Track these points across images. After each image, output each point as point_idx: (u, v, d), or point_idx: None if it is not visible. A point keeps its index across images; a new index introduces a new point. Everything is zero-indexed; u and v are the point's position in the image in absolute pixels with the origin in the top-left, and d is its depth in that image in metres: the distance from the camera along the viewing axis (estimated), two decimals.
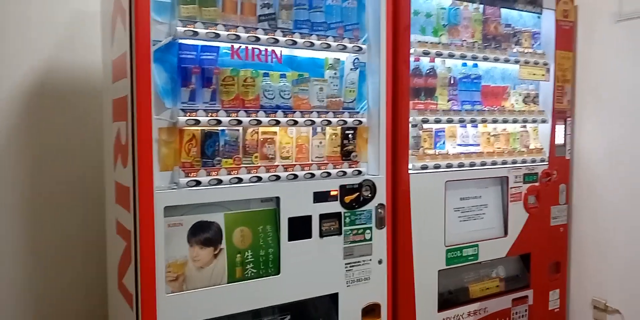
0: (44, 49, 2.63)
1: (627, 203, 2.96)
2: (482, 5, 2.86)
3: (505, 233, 2.95)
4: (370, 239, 2.43)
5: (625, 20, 2.95)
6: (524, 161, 3.00)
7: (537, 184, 3.05)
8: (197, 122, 2.01)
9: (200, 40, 2.05)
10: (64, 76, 2.68)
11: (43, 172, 2.67)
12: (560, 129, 3.17)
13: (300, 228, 2.25)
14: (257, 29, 2.14)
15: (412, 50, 2.57)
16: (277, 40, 2.18)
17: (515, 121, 2.97)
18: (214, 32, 2.03)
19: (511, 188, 2.96)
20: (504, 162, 2.92)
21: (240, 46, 2.22)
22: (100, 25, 2.49)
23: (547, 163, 3.10)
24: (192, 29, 1.99)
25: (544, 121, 3.11)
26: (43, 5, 2.61)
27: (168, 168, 2.03)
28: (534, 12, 3.02)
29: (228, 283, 2.11)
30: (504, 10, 2.96)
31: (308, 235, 2.27)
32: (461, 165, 2.75)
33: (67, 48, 2.68)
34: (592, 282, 3.17)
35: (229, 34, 2.07)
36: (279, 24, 2.22)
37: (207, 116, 2.04)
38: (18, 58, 2.58)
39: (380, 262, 2.46)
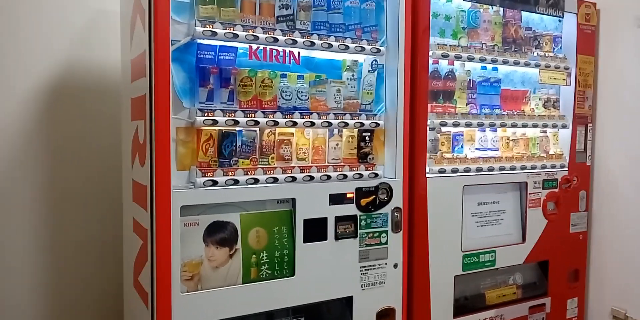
0: (62, 48, 2.66)
1: None
2: (502, 8, 2.83)
3: (524, 239, 2.91)
4: (386, 243, 2.41)
5: None
6: (543, 167, 2.96)
7: (556, 190, 3.01)
8: (215, 122, 2.02)
9: (219, 40, 2.06)
10: (82, 75, 2.71)
11: (61, 171, 2.70)
12: (581, 134, 3.12)
13: (315, 230, 2.24)
14: (275, 29, 2.15)
15: (430, 53, 2.55)
16: (295, 41, 2.18)
17: (535, 126, 2.93)
18: (232, 33, 2.04)
19: (530, 194, 2.91)
20: (523, 168, 2.88)
21: (258, 47, 2.23)
22: (120, 24, 2.51)
23: (567, 169, 3.05)
24: (210, 29, 2.00)
25: (564, 126, 3.06)
26: (61, 5, 2.64)
27: (185, 167, 2.04)
28: (555, 16, 2.98)
29: (243, 283, 2.10)
30: (524, 14, 2.93)
31: (323, 237, 2.26)
32: (479, 169, 2.72)
33: (85, 47, 2.71)
34: (612, 291, 3.10)
35: (247, 35, 2.07)
36: (297, 25, 2.22)
37: (225, 116, 2.04)
38: (36, 57, 2.61)
39: (395, 266, 2.44)
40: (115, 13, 2.59)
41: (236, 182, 2.07)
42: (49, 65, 2.64)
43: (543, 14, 2.96)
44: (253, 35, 2.09)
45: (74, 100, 2.71)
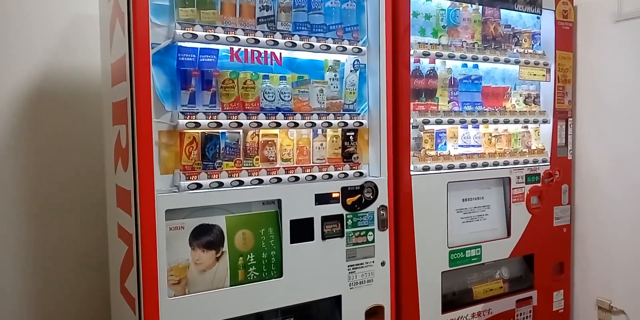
0: (42, 53, 2.63)
1: (630, 203, 2.94)
2: (481, 6, 2.85)
3: (509, 234, 2.93)
4: (373, 241, 2.42)
5: (624, 20, 2.94)
6: (525, 162, 2.99)
7: (539, 184, 3.04)
8: (198, 125, 2.00)
9: (200, 42, 2.04)
10: (62, 80, 2.68)
11: (43, 176, 2.66)
12: (561, 129, 3.15)
13: (302, 230, 2.23)
14: (256, 31, 2.14)
15: (412, 52, 2.56)
16: (276, 42, 2.17)
17: (516, 122, 2.96)
18: (213, 35, 2.03)
19: (513, 189, 2.94)
20: (506, 163, 2.90)
21: (239, 48, 2.21)
22: (100, 28, 2.48)
23: (549, 163, 3.08)
24: (191, 31, 1.98)
25: (545, 121, 3.09)
26: (41, 9, 2.61)
27: (169, 171, 2.02)
28: (533, 13, 3.01)
29: (230, 286, 2.09)
30: (503, 11, 2.95)
31: (310, 237, 2.25)
32: (463, 166, 2.74)
33: (66, 52, 2.68)
34: (596, 282, 3.14)
35: (228, 36, 2.06)
36: (278, 26, 2.21)
37: (208, 119, 2.03)
38: (16, 62, 2.57)
39: (383, 264, 2.44)
40: (97, 17, 2.56)
41: (221, 184, 2.05)
42: (30, 69, 2.61)
43: (522, 11, 2.98)
44: (234, 37, 2.07)
45: (55, 104, 2.67)
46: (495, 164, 2.86)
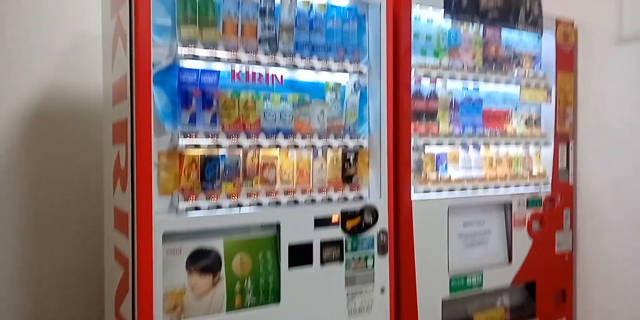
0: (43, 72, 2.70)
1: (632, 229, 3.05)
2: (482, 28, 2.99)
3: (510, 260, 3.03)
4: (373, 266, 2.50)
5: (625, 42, 3.10)
6: (527, 186, 3.11)
7: (540, 209, 3.15)
8: (198, 146, 2.09)
9: (201, 62, 2.13)
10: (62, 99, 2.75)
11: (41, 197, 2.71)
12: (563, 152, 3.28)
13: (301, 255, 2.30)
14: (257, 51, 2.24)
15: (413, 73, 2.68)
16: (278, 63, 2.28)
17: (517, 144, 3.08)
18: (214, 56, 2.12)
19: (515, 213, 3.04)
20: (507, 187, 3.01)
21: (241, 69, 2.31)
22: (102, 47, 2.57)
23: (550, 188, 3.20)
24: (192, 50, 2.08)
25: (546, 144, 3.22)
26: (42, 27, 2.69)
27: (167, 192, 2.09)
28: (534, 33, 3.15)
29: (227, 312, 2.15)
30: (504, 33, 3.10)
31: (309, 262, 2.32)
32: (464, 190, 2.84)
33: (67, 71, 2.75)
34: (600, 311, 3.23)
35: (229, 57, 2.16)
36: (280, 46, 2.32)
37: (208, 140, 2.11)
38: (17, 81, 2.64)
39: (382, 290, 2.51)
40: (97, 36, 2.65)
41: (219, 207, 2.13)
42: (31, 88, 2.68)
43: (523, 31, 3.13)
44: (236, 57, 2.17)
45: (54, 124, 2.74)
46: (497, 188, 2.97)
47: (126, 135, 2.03)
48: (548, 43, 3.30)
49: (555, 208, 3.22)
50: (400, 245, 2.62)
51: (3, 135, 2.62)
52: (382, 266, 2.53)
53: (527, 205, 3.10)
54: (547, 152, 3.26)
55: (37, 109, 2.69)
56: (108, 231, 2.47)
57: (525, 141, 3.12)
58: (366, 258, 2.49)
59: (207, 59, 2.11)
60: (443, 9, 2.73)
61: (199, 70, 2.17)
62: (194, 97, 2.13)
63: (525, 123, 3.22)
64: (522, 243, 3.07)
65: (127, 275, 2.05)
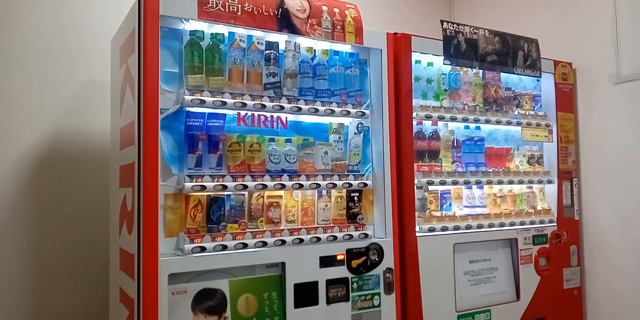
0: (51, 117, 2.70)
1: (639, 264, 2.90)
2: (481, 70, 2.95)
3: (518, 297, 2.88)
4: (379, 305, 2.38)
5: (623, 83, 3.03)
6: (532, 222, 2.98)
7: (547, 245, 3.01)
8: (203, 188, 2.04)
9: (207, 108, 2.11)
10: (70, 143, 2.74)
11: (49, 239, 2.66)
12: (567, 189, 3.17)
13: (306, 294, 2.21)
14: (262, 96, 2.22)
15: (414, 115, 2.63)
16: (282, 107, 2.25)
17: (521, 182, 2.98)
18: (220, 100, 2.10)
19: (521, 250, 2.91)
20: (512, 224, 2.90)
21: (246, 113, 2.28)
22: (110, 94, 2.58)
23: (556, 224, 3.07)
24: (199, 97, 2.06)
25: (550, 182, 3.11)
26: (52, 74, 2.71)
27: (173, 234, 2.03)
28: (532, 76, 3.10)
29: None
30: (503, 74, 3.05)
31: (315, 302, 2.22)
32: (469, 227, 2.73)
33: (75, 116, 2.75)
34: None
35: (235, 102, 2.13)
36: (284, 91, 2.29)
37: (213, 182, 2.06)
38: (26, 126, 2.64)
39: None
40: (104, 83, 2.66)
41: (225, 247, 2.05)
42: (39, 132, 2.67)
43: (522, 74, 3.07)
44: (241, 102, 2.15)
45: (61, 168, 2.71)
46: (502, 224, 2.86)
47: (133, 179, 1.99)
48: (547, 83, 3.24)
49: (562, 244, 3.08)
50: (406, 284, 2.50)
51: (11, 177, 2.60)
52: (388, 305, 2.41)
53: (533, 242, 2.97)
54: (551, 189, 3.15)
55: (45, 152, 2.68)
56: (114, 272, 2.41)
57: (529, 179, 3.01)
58: (372, 297, 2.37)
59: (213, 103, 2.08)
60: (443, 55, 2.69)
61: (205, 115, 2.14)
62: (200, 141, 2.10)
63: (528, 161, 3.12)
64: (530, 279, 2.93)
65: (132, 317, 1.96)
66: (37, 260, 2.63)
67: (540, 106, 3.24)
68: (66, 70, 2.75)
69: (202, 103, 2.06)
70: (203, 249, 2.01)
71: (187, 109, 2.10)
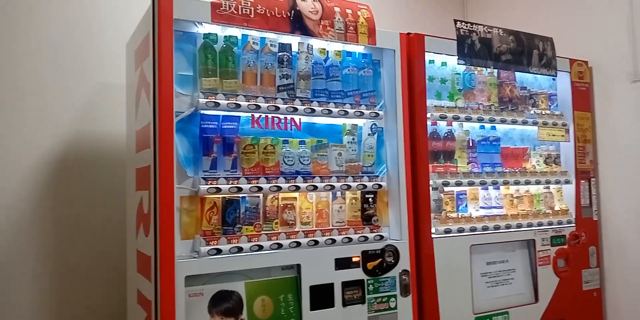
0: (67, 121, 2.73)
1: None
2: (496, 70, 2.92)
3: (536, 299, 2.84)
4: (395, 308, 2.36)
5: None
6: (550, 223, 2.94)
7: (565, 246, 2.97)
8: (219, 190, 2.04)
9: (222, 110, 2.12)
10: (86, 147, 2.77)
11: (66, 242, 2.69)
12: (585, 189, 3.13)
13: (322, 296, 2.20)
14: (276, 98, 2.22)
15: (428, 115, 2.61)
16: (296, 109, 2.25)
17: (538, 182, 2.95)
18: (234, 103, 2.11)
19: (539, 251, 2.88)
20: (530, 225, 2.86)
21: (260, 115, 2.29)
22: (125, 97, 2.60)
23: (574, 225, 3.03)
24: (213, 100, 2.07)
25: (567, 182, 3.07)
26: (66, 79, 2.73)
27: (189, 236, 2.04)
28: (548, 75, 3.07)
29: None
30: (518, 73, 3.02)
31: (330, 304, 2.21)
32: (485, 228, 2.71)
33: (90, 120, 2.78)
34: None
35: (249, 104, 2.14)
36: (298, 93, 2.30)
37: (228, 184, 2.07)
38: (42, 130, 2.67)
39: None
40: (118, 86, 2.69)
41: (240, 249, 2.06)
42: (55, 137, 2.70)
43: (537, 74, 3.04)
44: (255, 104, 2.15)
45: (79, 171, 2.74)
46: (519, 225, 2.83)
47: (149, 182, 2.00)
48: (563, 82, 3.20)
49: (581, 245, 3.04)
50: (423, 286, 2.48)
51: (29, 181, 2.63)
52: (405, 307, 2.39)
53: (551, 243, 2.93)
54: (569, 189, 3.11)
55: (61, 156, 2.70)
56: (131, 274, 2.42)
57: (546, 179, 2.98)
58: (389, 299, 2.36)
59: (227, 106, 2.09)
60: (457, 54, 2.68)
61: (219, 117, 2.15)
62: (215, 144, 2.11)
63: (545, 161, 3.09)
64: (548, 281, 2.89)
65: (149, 318, 1.98)
66: (55, 263, 2.66)
67: (557, 105, 3.21)
68: (80, 74, 2.77)
69: (217, 106, 2.07)
70: (219, 251, 2.01)
71: (202, 111, 2.11)
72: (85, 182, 2.75)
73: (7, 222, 2.57)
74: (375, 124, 2.50)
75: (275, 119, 2.34)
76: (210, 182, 2.04)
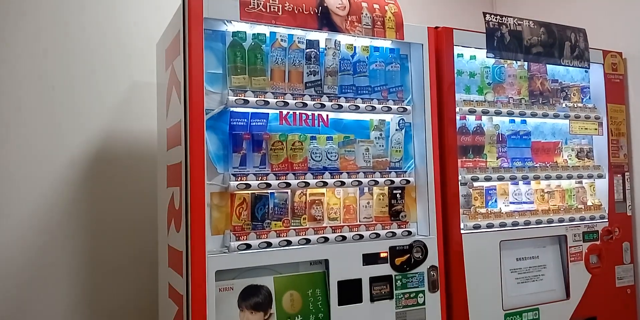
0: (99, 120, 2.79)
1: None
2: (526, 62, 2.86)
3: (567, 295, 2.79)
4: (424, 303, 2.36)
5: None
6: (582, 218, 2.89)
7: (598, 242, 2.91)
8: (248, 186, 2.07)
9: (250, 107, 2.14)
10: (118, 145, 2.83)
11: (100, 238, 2.76)
12: (618, 184, 3.05)
13: (350, 292, 2.21)
14: (304, 95, 2.23)
15: (457, 109, 2.58)
16: (323, 105, 2.25)
17: (569, 177, 2.89)
18: (263, 100, 2.12)
19: (570, 247, 2.82)
20: (561, 220, 2.81)
21: (288, 112, 2.30)
22: (157, 95, 2.64)
23: (607, 220, 2.96)
24: (242, 97, 2.09)
25: (600, 176, 3.00)
26: (100, 78, 2.80)
27: (219, 232, 2.08)
28: (580, 67, 2.99)
29: None
30: (549, 66, 2.96)
31: (359, 299, 2.22)
32: (515, 224, 2.67)
33: (122, 118, 2.84)
34: None
35: (277, 101, 2.15)
36: (325, 89, 2.30)
37: (257, 180, 2.09)
38: (75, 129, 2.74)
39: None
40: (153, 85, 2.73)
41: (269, 244, 2.08)
42: (87, 136, 2.76)
43: (569, 66, 2.97)
44: (283, 101, 2.17)
45: (112, 167, 2.80)
46: (550, 221, 2.78)
47: (180, 178, 2.04)
48: (596, 74, 3.12)
49: (614, 240, 2.97)
50: (451, 282, 2.47)
51: (64, 180, 2.70)
52: (433, 303, 2.39)
53: (584, 239, 2.88)
54: (602, 183, 3.04)
55: (94, 155, 2.77)
56: (162, 269, 2.48)
57: (578, 173, 2.92)
58: (417, 294, 2.36)
59: (256, 103, 2.11)
60: (486, 48, 2.63)
61: (248, 114, 2.17)
62: (244, 140, 2.13)
63: (577, 155, 3.02)
64: (580, 277, 2.84)
65: (181, 312, 2.02)
66: (89, 258, 2.73)
67: (589, 98, 3.13)
68: (111, 73, 2.83)
69: (246, 103, 2.09)
70: (248, 246, 2.04)
71: (231, 109, 2.13)
72: (118, 179, 2.82)
73: (44, 220, 2.65)
74: (403, 119, 2.48)
75: (303, 115, 2.35)
76: (239, 178, 2.06)
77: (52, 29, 2.71)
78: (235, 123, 2.13)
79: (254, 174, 2.10)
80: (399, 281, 2.31)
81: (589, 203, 2.98)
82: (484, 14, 2.66)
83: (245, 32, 2.17)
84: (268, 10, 2.14)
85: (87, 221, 2.74)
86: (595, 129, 3.04)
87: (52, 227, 2.66)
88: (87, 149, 2.76)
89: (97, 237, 2.75)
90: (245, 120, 2.16)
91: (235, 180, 2.05)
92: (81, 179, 2.74)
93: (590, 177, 2.98)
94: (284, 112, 2.29)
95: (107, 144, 2.80)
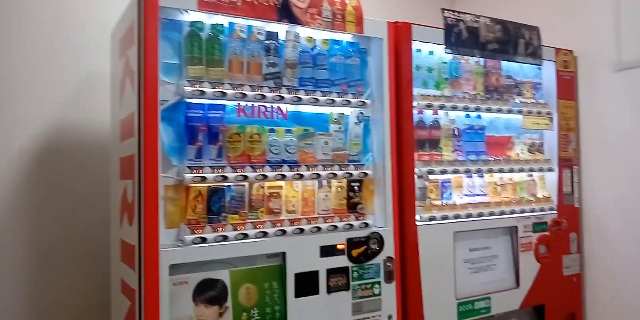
0: (52, 109, 2.66)
1: (638, 250, 2.87)
2: (482, 59, 2.89)
3: (518, 284, 2.86)
4: (379, 294, 2.36)
5: (624, 70, 2.97)
6: (532, 210, 2.95)
7: (547, 233, 2.98)
8: (204, 179, 2.01)
9: (207, 99, 2.07)
10: (71, 135, 2.71)
11: (49, 231, 2.64)
12: (567, 177, 3.13)
13: (307, 284, 2.19)
14: (262, 87, 2.18)
15: (415, 104, 2.58)
16: (282, 98, 2.21)
17: (521, 170, 2.95)
18: (220, 91, 2.06)
19: (521, 238, 2.89)
20: (512, 212, 2.87)
21: (246, 104, 2.24)
22: (110, 85, 2.53)
23: (556, 212, 3.04)
24: (199, 88, 2.02)
25: (550, 170, 3.07)
26: (52, 67, 2.66)
27: (174, 225, 2.01)
28: (534, 64, 3.04)
29: None
30: (504, 62, 2.99)
31: (315, 291, 2.20)
32: (469, 215, 2.71)
33: (75, 108, 2.71)
34: None
35: (235, 93, 2.09)
36: (284, 81, 2.25)
37: (214, 173, 2.03)
38: (26, 117, 2.60)
39: (390, 318, 2.37)
40: (107, 75, 2.62)
41: (225, 238, 2.03)
42: (40, 124, 2.63)
43: (523, 62, 3.01)
44: (241, 93, 2.11)
45: (61, 159, 2.68)
46: (502, 213, 2.83)
47: (133, 171, 1.96)
48: (548, 71, 3.18)
49: (562, 231, 3.05)
50: (406, 272, 2.48)
51: (13, 169, 2.57)
52: (389, 293, 2.40)
53: (533, 230, 2.94)
54: (552, 176, 3.12)
55: (45, 145, 2.65)
56: (114, 264, 2.39)
57: (529, 167, 2.98)
58: (373, 285, 2.36)
59: (213, 94, 2.05)
60: (444, 43, 2.63)
61: (205, 106, 2.10)
62: (201, 132, 2.07)
63: (529, 149, 3.08)
64: (530, 267, 2.91)
65: (133, 308, 1.95)
66: (37, 252, 2.61)
67: (542, 94, 3.19)
68: (66, 62, 2.70)
69: (202, 94, 2.03)
70: (204, 240, 1.99)
71: (187, 100, 2.06)
72: (69, 171, 2.70)
73: None
74: (362, 113, 2.46)
75: (261, 107, 2.29)
76: (195, 170, 2.00)
77: (7, 17, 2.56)
78: (191, 114, 2.06)
79: (210, 166, 2.04)
80: (355, 272, 2.31)
81: (539, 195, 3.05)
82: (442, 10, 2.66)
83: (203, 22, 2.09)
84: (227, 0, 2.06)
85: (36, 212, 2.62)
86: (547, 124, 3.11)
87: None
88: (38, 140, 2.63)
89: (46, 230, 2.63)
90: (202, 111, 2.09)
91: (191, 173, 1.99)
92: (31, 170, 2.61)
93: (540, 170, 3.05)
94: (242, 104, 2.23)
95: (57, 136, 2.68)
